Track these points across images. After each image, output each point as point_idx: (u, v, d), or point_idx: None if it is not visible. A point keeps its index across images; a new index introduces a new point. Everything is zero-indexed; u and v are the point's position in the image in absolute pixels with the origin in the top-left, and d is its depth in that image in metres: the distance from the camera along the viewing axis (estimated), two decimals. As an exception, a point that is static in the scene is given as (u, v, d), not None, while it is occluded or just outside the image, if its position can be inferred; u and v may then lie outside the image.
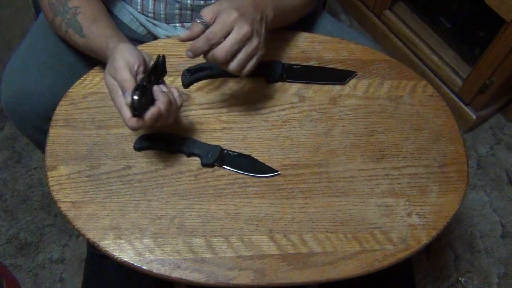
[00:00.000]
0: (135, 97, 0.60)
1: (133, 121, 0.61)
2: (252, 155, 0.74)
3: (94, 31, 0.73)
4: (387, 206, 0.71)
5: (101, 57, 0.73)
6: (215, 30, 0.63)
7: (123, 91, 0.62)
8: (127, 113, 0.62)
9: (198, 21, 0.64)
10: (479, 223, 1.33)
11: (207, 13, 0.64)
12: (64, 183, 0.68)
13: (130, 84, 0.61)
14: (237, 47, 0.65)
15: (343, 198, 0.71)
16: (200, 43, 0.64)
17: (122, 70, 0.62)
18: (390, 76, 0.86)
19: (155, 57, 0.67)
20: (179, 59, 0.83)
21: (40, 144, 0.87)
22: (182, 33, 0.64)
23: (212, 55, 0.64)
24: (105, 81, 0.65)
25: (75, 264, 1.18)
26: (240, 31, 0.64)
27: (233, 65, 0.66)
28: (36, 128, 0.83)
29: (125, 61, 0.63)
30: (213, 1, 0.89)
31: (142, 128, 0.64)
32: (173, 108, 0.65)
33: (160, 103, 0.62)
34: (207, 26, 0.64)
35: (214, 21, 0.64)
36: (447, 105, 0.84)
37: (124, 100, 0.61)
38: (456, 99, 1.47)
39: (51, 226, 1.23)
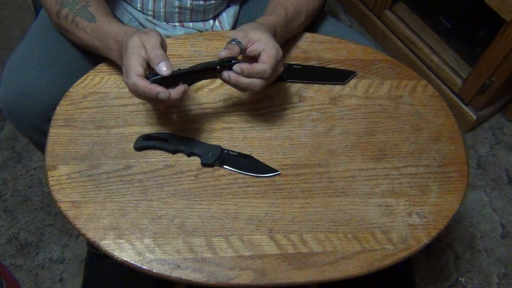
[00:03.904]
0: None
1: (139, 78, 0.63)
2: (252, 155, 0.74)
3: (109, 19, 0.75)
4: (387, 206, 0.71)
5: (114, 39, 0.72)
6: (270, 71, 0.68)
7: (151, 60, 0.64)
8: (139, 69, 0.64)
9: (234, 43, 0.69)
10: (479, 223, 1.33)
11: (243, 39, 0.69)
12: (64, 183, 0.68)
13: (160, 58, 0.64)
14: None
15: (343, 198, 0.71)
16: (254, 76, 0.69)
17: (153, 42, 0.66)
18: (390, 76, 0.86)
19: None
20: (179, 59, 0.83)
21: (39, 144, 0.87)
22: (221, 53, 0.68)
23: (256, 85, 0.69)
24: (128, 44, 0.66)
25: (75, 264, 1.18)
26: (281, 69, 0.72)
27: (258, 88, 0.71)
28: (35, 128, 0.83)
29: (157, 36, 0.67)
30: (213, 2, 0.90)
31: (140, 92, 0.64)
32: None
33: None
34: (242, 47, 0.69)
35: (261, 52, 0.69)
36: (447, 105, 0.84)
37: (140, 60, 0.64)
38: (456, 99, 1.47)
39: (51, 226, 1.23)
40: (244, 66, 0.68)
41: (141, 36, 0.66)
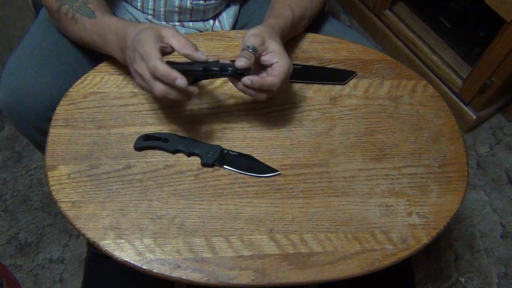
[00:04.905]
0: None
1: (160, 62, 0.64)
2: (252, 155, 0.74)
3: (109, 15, 0.75)
4: (387, 206, 0.71)
5: (114, 32, 0.72)
6: (279, 85, 0.68)
7: (185, 48, 0.65)
8: (158, 53, 0.64)
9: (251, 51, 0.67)
10: (479, 223, 1.33)
11: (259, 47, 0.68)
12: (64, 183, 0.68)
13: (196, 47, 0.66)
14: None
15: (343, 198, 0.71)
16: (264, 88, 0.68)
17: (179, 35, 0.66)
18: (390, 76, 0.86)
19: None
20: (179, 59, 0.82)
21: (39, 144, 0.87)
22: (239, 63, 0.66)
23: (261, 96, 0.70)
24: (142, 34, 0.66)
25: (75, 264, 1.18)
26: (288, 83, 0.73)
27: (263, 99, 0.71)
28: (34, 128, 0.83)
29: (177, 31, 0.68)
30: (212, 2, 0.90)
31: (159, 75, 0.64)
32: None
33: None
34: (257, 56, 0.68)
35: (273, 63, 0.69)
36: (447, 105, 0.84)
37: (158, 47, 0.64)
38: (456, 99, 1.47)
39: (51, 226, 1.23)
40: (255, 79, 0.67)
41: (159, 30, 0.66)
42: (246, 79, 0.67)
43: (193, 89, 0.65)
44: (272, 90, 0.69)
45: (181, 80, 0.63)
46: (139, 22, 0.91)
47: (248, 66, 0.67)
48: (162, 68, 0.63)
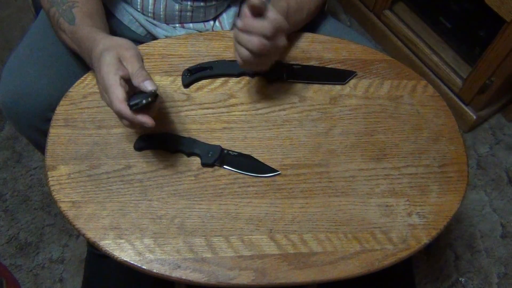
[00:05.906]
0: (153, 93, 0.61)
1: (124, 107, 0.61)
2: (252, 155, 0.74)
3: (87, 22, 0.73)
4: (387, 206, 0.71)
5: (85, 46, 0.70)
6: (270, 29, 0.66)
7: (135, 78, 0.62)
8: (120, 93, 0.61)
9: None
10: (479, 223, 1.33)
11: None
12: (64, 183, 0.68)
13: (145, 76, 0.62)
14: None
15: (343, 198, 0.71)
16: (254, 31, 0.66)
17: (135, 60, 0.63)
18: (390, 76, 0.86)
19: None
20: (179, 59, 0.83)
21: (38, 144, 0.87)
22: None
23: (253, 43, 0.66)
24: (103, 61, 0.63)
25: (75, 264, 1.18)
26: (282, 42, 0.69)
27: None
28: (34, 128, 0.83)
29: (137, 52, 0.64)
30: (213, 3, 0.90)
31: (124, 119, 0.63)
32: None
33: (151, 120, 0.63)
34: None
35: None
36: (447, 105, 0.84)
37: (118, 80, 0.61)
38: (456, 99, 1.47)
39: (51, 226, 1.23)
40: (245, 19, 0.65)
41: (119, 52, 0.63)
42: (238, 21, 0.66)
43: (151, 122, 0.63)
44: (266, 35, 0.66)
45: (148, 121, 0.61)
46: (140, 23, 0.91)
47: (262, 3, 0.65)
48: (128, 115, 0.61)
